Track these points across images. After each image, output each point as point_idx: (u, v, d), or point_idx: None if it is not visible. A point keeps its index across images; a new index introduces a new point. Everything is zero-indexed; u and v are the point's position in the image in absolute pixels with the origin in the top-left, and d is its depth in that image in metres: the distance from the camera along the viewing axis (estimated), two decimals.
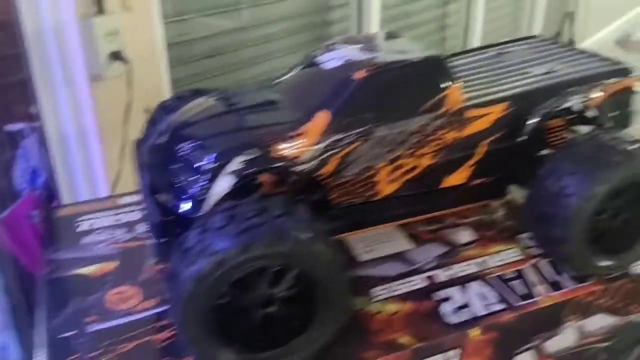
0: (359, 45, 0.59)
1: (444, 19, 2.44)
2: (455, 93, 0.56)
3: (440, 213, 0.62)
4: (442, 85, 0.56)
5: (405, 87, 0.55)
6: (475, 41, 2.54)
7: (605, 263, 0.57)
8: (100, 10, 1.02)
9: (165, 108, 0.64)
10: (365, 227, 0.59)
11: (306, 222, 0.45)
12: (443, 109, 0.56)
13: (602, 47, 2.77)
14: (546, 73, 0.62)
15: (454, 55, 0.70)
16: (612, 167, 0.53)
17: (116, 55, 1.12)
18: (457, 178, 0.59)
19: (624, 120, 0.63)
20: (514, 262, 0.62)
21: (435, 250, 0.64)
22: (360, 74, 0.54)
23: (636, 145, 0.54)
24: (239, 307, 0.46)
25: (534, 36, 0.74)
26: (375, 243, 0.65)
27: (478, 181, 0.60)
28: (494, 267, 0.61)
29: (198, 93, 0.65)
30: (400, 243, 0.65)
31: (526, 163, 0.60)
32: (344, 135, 0.53)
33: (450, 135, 0.56)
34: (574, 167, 0.54)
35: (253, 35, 1.43)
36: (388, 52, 0.57)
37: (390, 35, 0.63)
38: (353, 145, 0.53)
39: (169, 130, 0.56)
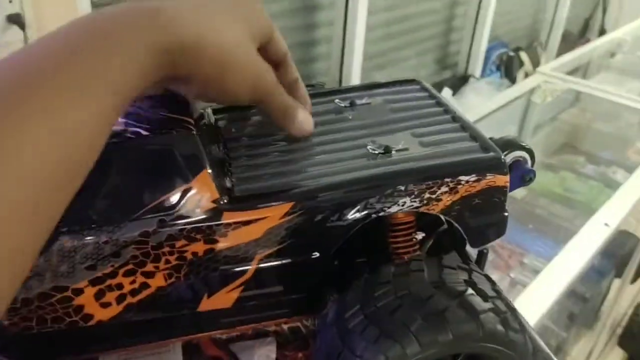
0: None
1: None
2: (204, 187, 0.37)
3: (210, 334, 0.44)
4: (183, 175, 0.36)
5: (118, 172, 0.36)
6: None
7: None
8: None
9: None
10: (86, 354, 0.41)
11: None
12: (182, 210, 0.37)
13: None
14: (383, 153, 0.43)
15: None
16: (408, 339, 0.34)
17: (14, 19, 0.96)
18: (219, 301, 0.40)
19: (484, 234, 0.44)
20: None
21: None
22: None
23: (469, 300, 0.35)
24: None
25: (411, 80, 0.53)
26: (134, 351, 0.47)
27: (258, 303, 0.41)
28: None
29: None
30: (166, 358, 0.47)
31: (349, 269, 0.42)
32: None
33: (197, 248, 0.37)
34: (360, 325, 0.35)
35: None
36: None
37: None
38: None
39: None
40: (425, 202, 0.40)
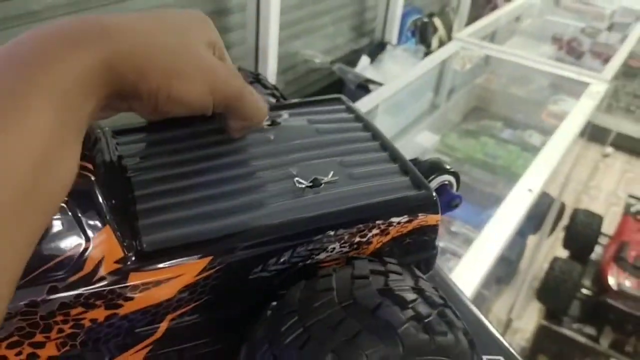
0: None
1: None
2: (106, 244, 0.31)
3: None
4: (80, 233, 0.31)
5: None
6: None
7: None
8: None
9: None
10: None
11: None
12: (79, 274, 0.31)
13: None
14: (311, 186, 0.38)
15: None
16: None
17: None
18: None
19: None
20: None
21: None
22: None
23: (384, 314, 0.31)
24: None
25: (336, 99, 0.48)
26: None
27: (168, 358, 0.37)
28: None
29: None
30: None
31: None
32: None
33: (97, 314, 0.32)
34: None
35: None
36: None
37: None
38: None
39: None
40: (355, 246, 0.37)
